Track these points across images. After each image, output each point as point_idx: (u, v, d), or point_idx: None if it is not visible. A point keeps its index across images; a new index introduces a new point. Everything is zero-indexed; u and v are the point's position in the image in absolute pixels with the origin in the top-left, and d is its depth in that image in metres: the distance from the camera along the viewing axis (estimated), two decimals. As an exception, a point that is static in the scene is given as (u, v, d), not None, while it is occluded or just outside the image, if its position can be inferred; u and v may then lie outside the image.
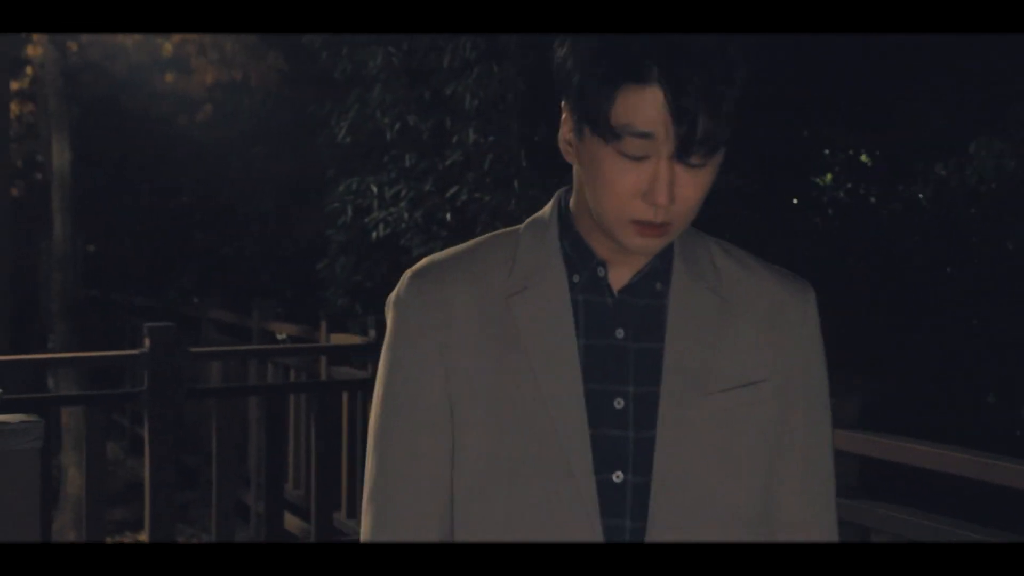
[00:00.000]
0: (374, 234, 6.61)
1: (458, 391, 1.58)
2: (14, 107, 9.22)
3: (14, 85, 9.07)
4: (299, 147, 8.49)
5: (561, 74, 1.55)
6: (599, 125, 1.47)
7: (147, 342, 6.40)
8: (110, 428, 9.17)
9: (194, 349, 6.65)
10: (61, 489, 8.14)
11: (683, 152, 1.46)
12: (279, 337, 8.72)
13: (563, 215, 1.63)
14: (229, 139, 10.01)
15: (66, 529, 7.88)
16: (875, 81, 6.64)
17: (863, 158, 6.90)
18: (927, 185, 6.98)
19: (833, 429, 1.66)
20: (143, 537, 6.50)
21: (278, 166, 9.74)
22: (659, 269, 1.60)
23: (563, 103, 1.55)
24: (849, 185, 6.97)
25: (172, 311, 10.01)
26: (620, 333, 1.58)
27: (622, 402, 1.56)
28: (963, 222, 6.94)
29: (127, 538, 7.63)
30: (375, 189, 6.64)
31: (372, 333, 6.32)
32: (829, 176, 6.95)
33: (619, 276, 1.59)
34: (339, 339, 7.21)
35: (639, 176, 1.47)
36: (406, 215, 6.45)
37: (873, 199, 6.98)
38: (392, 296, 1.63)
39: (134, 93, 9.56)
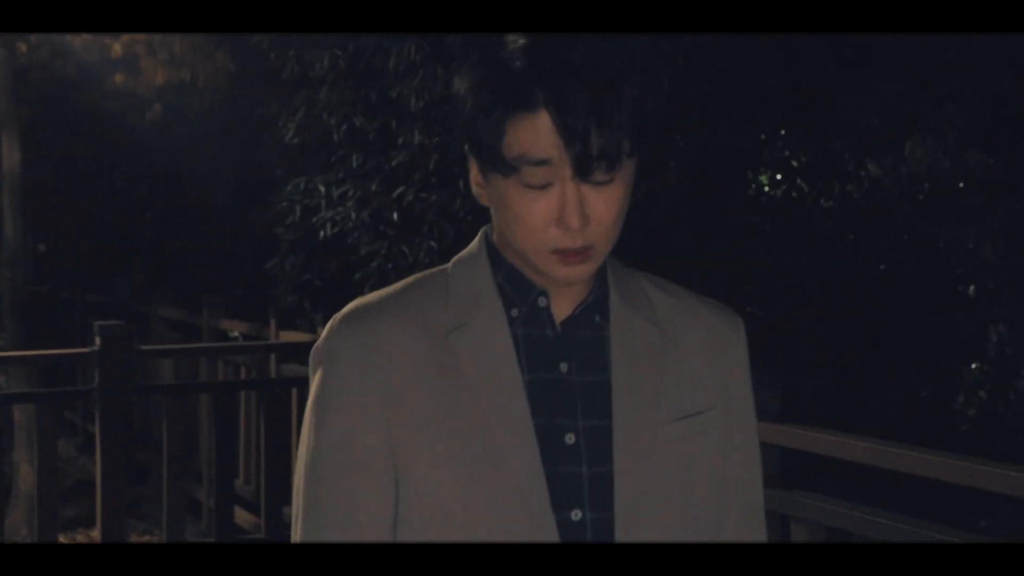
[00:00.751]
0: (322, 233, 6.72)
1: (402, 439, 1.49)
2: (-37, 107, 9.22)
3: (-37, 85, 9.08)
4: (248, 146, 8.58)
5: (459, 112, 1.50)
6: (495, 161, 1.44)
7: (98, 340, 6.49)
8: (62, 425, 9.24)
9: (144, 347, 6.74)
10: (13, 486, 8.19)
11: (582, 172, 1.42)
12: (230, 335, 8.81)
13: (491, 250, 1.57)
14: (179, 138, 10.07)
15: (18, 525, 7.93)
16: (810, 80, 6.81)
17: (796, 163, 7.10)
18: (861, 184, 7.17)
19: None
20: (95, 534, 6.60)
21: (228, 165, 9.81)
22: (597, 300, 1.56)
23: (466, 147, 1.50)
24: (785, 185, 7.16)
25: (123, 308, 10.07)
26: (564, 367, 1.53)
27: (573, 437, 1.51)
28: (897, 221, 7.13)
29: (80, 534, 7.70)
30: (323, 189, 6.75)
31: (320, 331, 6.45)
32: (764, 177, 7.14)
33: (560, 308, 1.55)
34: (288, 336, 7.32)
35: (547, 204, 1.44)
36: (353, 214, 6.56)
37: (808, 198, 7.16)
38: (320, 344, 1.54)
39: (84, 93, 9.60)
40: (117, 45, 9.15)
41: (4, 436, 8.06)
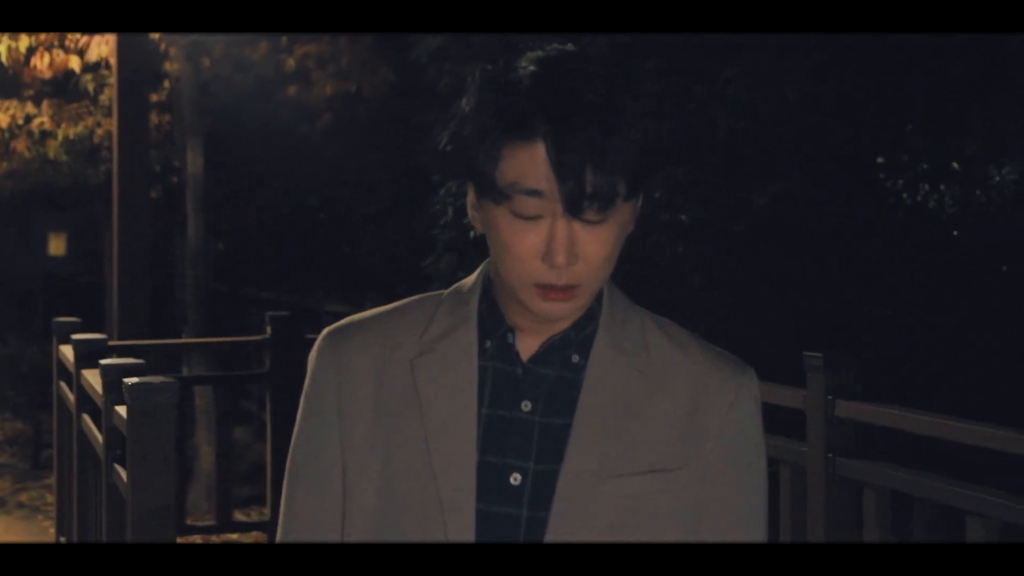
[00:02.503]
0: (471, 233, 7.22)
1: (350, 458, 1.51)
2: (153, 117, 9.96)
3: (153, 97, 9.80)
4: (407, 153, 9.14)
5: (461, 132, 1.48)
6: (488, 186, 1.41)
7: (269, 329, 7.13)
8: (239, 414, 9.87)
9: (311, 335, 7.34)
10: (195, 467, 8.87)
11: (573, 209, 1.38)
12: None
13: (486, 281, 1.53)
14: (346, 145, 10.68)
15: (199, 502, 8.60)
16: (940, 84, 6.94)
17: (926, 167, 7.27)
18: (989, 189, 7.33)
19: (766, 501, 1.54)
20: (267, 510, 7.19)
21: (390, 170, 10.41)
22: (574, 340, 1.50)
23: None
24: (912, 189, 7.34)
25: (294, 304, 10.72)
26: (527, 406, 1.48)
27: (519, 478, 1.46)
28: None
29: (254, 512, 8.27)
30: (472, 192, 7.28)
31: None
32: (894, 181, 7.34)
33: (528, 345, 1.50)
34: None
35: (536, 236, 1.39)
36: (501, 216, 7.07)
37: (936, 202, 7.33)
38: (310, 354, 1.58)
39: (260, 104, 10.26)
40: (291, 59, 9.82)
41: (186, 421, 8.77)
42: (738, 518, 1.50)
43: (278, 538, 1.56)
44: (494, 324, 1.50)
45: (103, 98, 9.82)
